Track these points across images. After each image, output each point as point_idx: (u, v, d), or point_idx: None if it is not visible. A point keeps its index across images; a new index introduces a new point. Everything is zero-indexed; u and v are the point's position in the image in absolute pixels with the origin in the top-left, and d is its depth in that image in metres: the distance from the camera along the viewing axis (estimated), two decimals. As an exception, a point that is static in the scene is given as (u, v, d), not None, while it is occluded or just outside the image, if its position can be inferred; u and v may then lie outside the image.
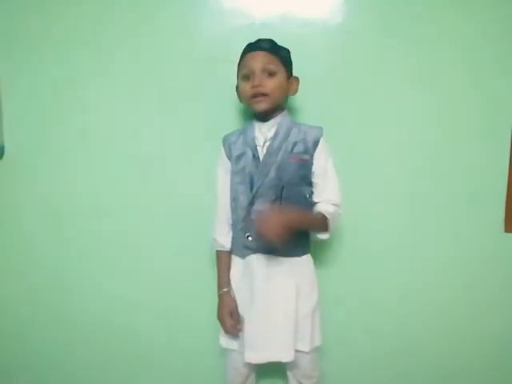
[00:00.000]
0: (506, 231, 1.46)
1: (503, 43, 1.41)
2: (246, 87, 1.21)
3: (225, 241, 1.29)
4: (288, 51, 1.26)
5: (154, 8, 1.44)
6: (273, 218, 1.10)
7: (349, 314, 1.51)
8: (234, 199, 1.27)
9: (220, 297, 1.31)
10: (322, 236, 1.23)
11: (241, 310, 1.26)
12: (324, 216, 1.20)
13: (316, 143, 1.23)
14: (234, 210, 1.27)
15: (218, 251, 1.33)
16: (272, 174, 1.21)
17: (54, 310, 1.58)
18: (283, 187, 1.21)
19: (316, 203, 1.24)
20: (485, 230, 1.47)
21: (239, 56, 1.26)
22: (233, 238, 1.29)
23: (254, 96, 1.20)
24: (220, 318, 1.29)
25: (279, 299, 1.20)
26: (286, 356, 1.20)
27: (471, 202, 1.46)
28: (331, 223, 1.21)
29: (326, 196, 1.23)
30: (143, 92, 1.48)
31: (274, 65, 1.20)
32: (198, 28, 1.44)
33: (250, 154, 1.24)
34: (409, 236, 1.49)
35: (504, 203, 1.45)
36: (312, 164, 1.23)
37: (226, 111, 1.45)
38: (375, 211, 1.48)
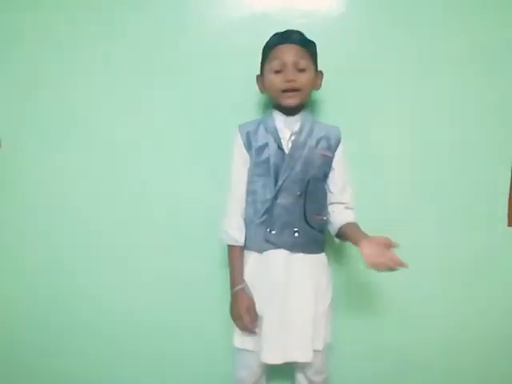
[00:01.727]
0: (509, 225, 1.47)
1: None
2: (277, 80, 1.19)
3: (239, 235, 1.23)
4: (315, 45, 1.23)
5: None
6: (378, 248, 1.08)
7: (349, 313, 1.49)
8: (252, 192, 1.22)
9: (235, 294, 1.23)
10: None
11: (258, 308, 1.21)
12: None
13: (338, 141, 1.25)
14: (251, 203, 1.23)
15: (230, 247, 1.25)
16: (298, 167, 1.20)
17: (53, 310, 1.54)
18: (309, 181, 1.20)
19: (332, 203, 1.24)
20: (488, 224, 1.47)
21: (264, 46, 1.22)
22: (248, 232, 1.24)
23: (286, 90, 1.18)
24: (236, 315, 1.21)
25: (299, 297, 1.18)
26: (304, 356, 1.17)
27: (474, 196, 1.47)
28: None
29: (345, 198, 1.24)
30: (142, 87, 1.45)
31: (305, 60, 1.18)
32: (197, 19, 1.42)
33: (274, 145, 1.21)
34: (411, 231, 1.46)
35: (507, 197, 1.46)
36: (332, 162, 1.24)
37: (228, 105, 1.42)
38: (376, 208, 1.45)
